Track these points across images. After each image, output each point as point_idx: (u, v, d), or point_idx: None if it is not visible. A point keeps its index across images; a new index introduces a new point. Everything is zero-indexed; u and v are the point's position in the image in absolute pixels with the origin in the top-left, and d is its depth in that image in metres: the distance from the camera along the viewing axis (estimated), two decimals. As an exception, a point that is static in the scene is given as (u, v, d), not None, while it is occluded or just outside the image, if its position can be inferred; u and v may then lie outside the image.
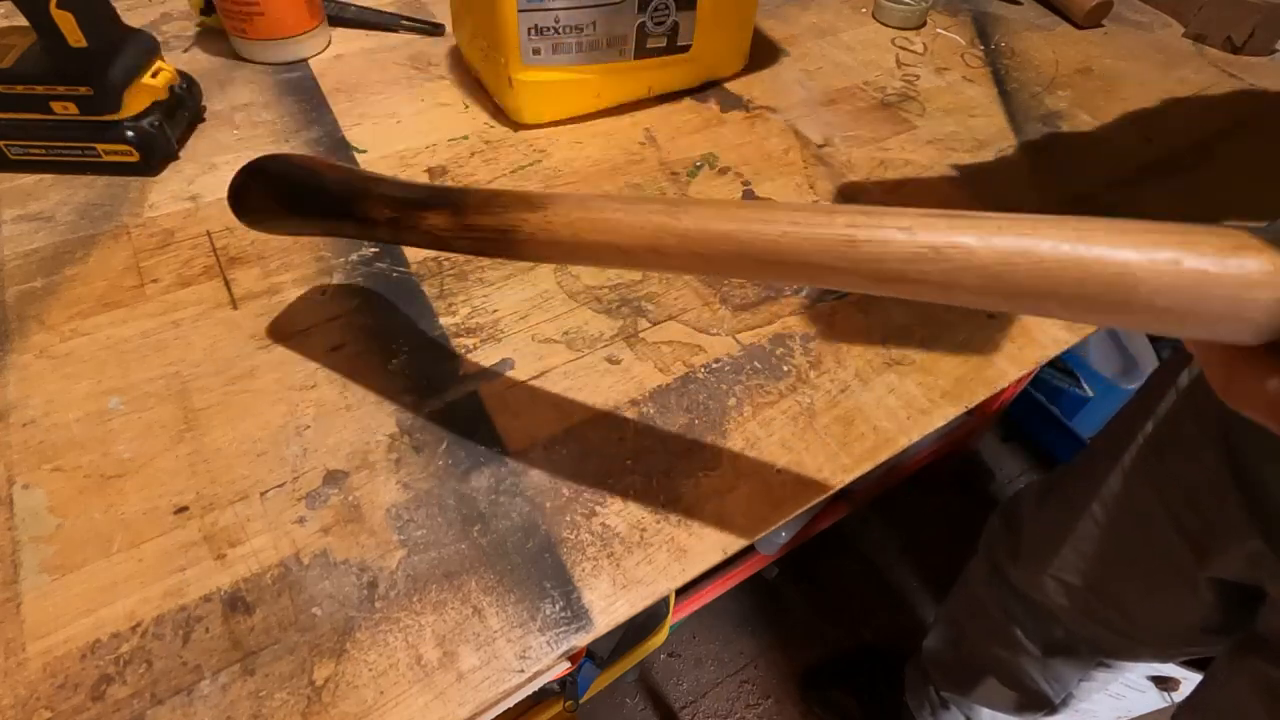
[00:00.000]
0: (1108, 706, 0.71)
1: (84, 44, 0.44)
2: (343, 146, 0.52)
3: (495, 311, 0.42)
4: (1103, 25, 0.74)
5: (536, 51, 0.51)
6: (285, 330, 0.40)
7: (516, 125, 0.56)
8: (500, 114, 0.56)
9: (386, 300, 0.42)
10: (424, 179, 0.50)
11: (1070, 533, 0.62)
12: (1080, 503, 0.61)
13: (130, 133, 0.47)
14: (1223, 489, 0.46)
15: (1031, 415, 1.33)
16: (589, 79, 0.54)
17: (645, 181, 0.52)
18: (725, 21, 0.57)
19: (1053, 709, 0.72)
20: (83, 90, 0.45)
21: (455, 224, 0.30)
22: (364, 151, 0.52)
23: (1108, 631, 0.62)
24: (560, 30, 0.50)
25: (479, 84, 0.59)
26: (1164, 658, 0.61)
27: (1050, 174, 0.55)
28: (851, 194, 0.52)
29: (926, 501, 1.32)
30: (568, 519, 0.34)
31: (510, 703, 0.32)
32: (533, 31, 0.50)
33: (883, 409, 0.39)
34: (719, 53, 0.59)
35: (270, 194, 0.36)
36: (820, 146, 0.56)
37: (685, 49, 0.56)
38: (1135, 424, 0.56)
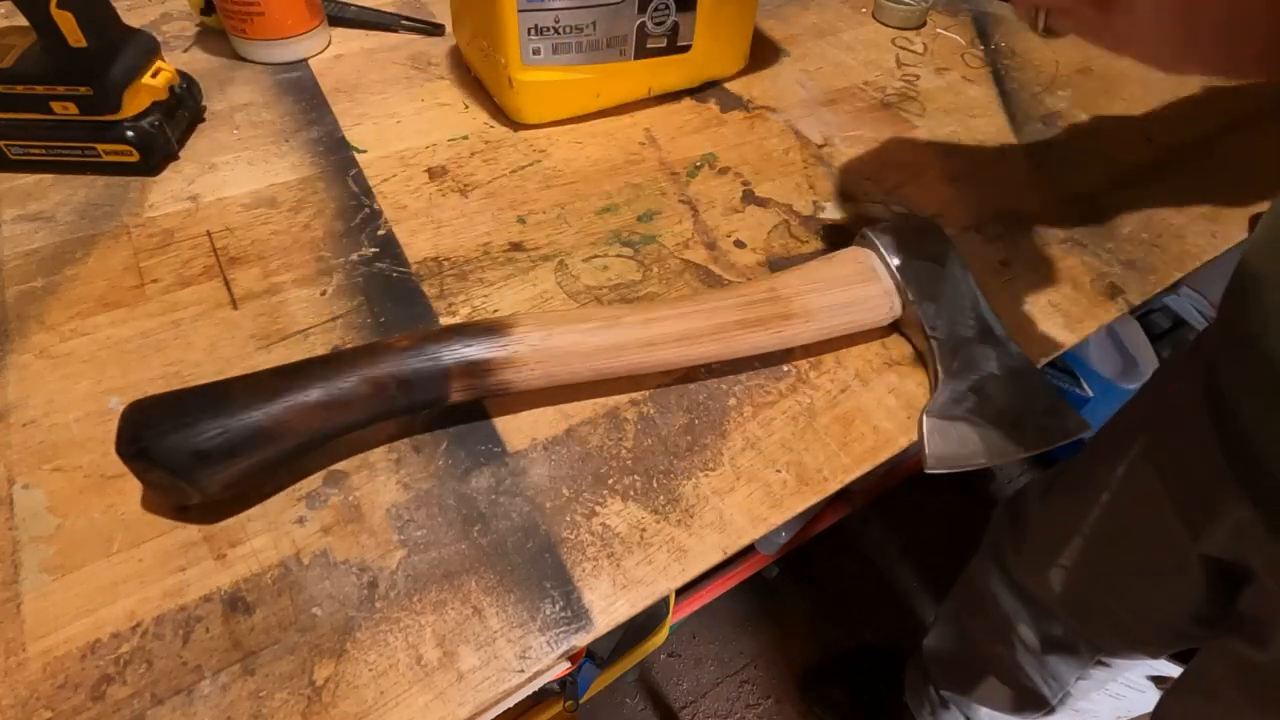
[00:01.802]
0: (1108, 707, 0.71)
1: (84, 44, 0.44)
2: (343, 146, 0.52)
3: (495, 311, 0.42)
4: (1103, 25, 0.74)
5: (536, 51, 0.51)
6: (285, 330, 0.40)
7: (516, 125, 0.56)
8: (500, 114, 0.56)
9: (386, 300, 0.42)
10: (424, 179, 0.50)
11: (1072, 521, 0.63)
12: (1083, 491, 0.62)
13: (130, 133, 0.47)
14: (1213, 453, 0.46)
15: (1031, 415, 1.33)
16: (589, 79, 0.54)
17: (645, 181, 0.52)
18: (725, 22, 0.57)
19: (1050, 709, 0.72)
20: (83, 90, 0.45)
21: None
22: (364, 151, 0.52)
23: (1105, 624, 0.62)
24: (560, 30, 0.50)
25: (479, 84, 0.59)
26: (1157, 652, 0.61)
27: (1050, 174, 0.55)
28: (850, 194, 0.52)
29: (926, 501, 1.32)
30: (568, 519, 0.34)
31: (510, 703, 0.32)
32: (533, 31, 0.50)
33: (883, 409, 0.39)
34: (719, 53, 0.59)
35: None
36: (820, 146, 0.56)
37: (685, 49, 0.56)
38: (1139, 413, 0.56)
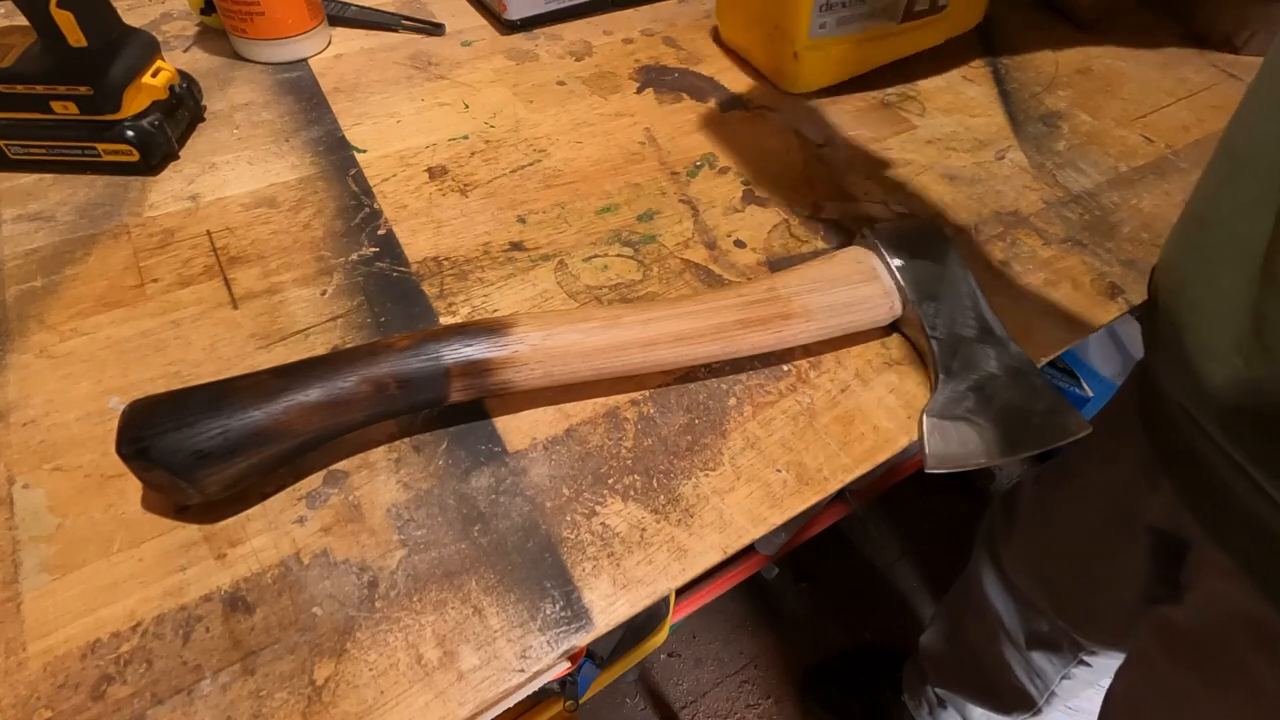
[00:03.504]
0: (1099, 704, 0.71)
1: (84, 44, 0.44)
2: (343, 146, 0.52)
3: (495, 311, 0.42)
4: (1103, 25, 0.74)
5: (822, 26, 0.57)
6: (285, 330, 0.40)
7: (787, 93, 0.61)
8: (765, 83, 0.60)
9: (386, 300, 0.42)
10: (424, 178, 0.50)
11: (1053, 508, 0.64)
12: (1062, 479, 0.64)
13: (130, 132, 0.47)
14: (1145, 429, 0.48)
15: (1031, 415, 1.33)
16: (861, 44, 0.59)
17: (645, 181, 0.52)
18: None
19: (1036, 709, 0.73)
20: (83, 90, 0.45)
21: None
22: (364, 151, 0.52)
23: (1080, 612, 0.64)
24: (845, 4, 0.56)
25: (741, 60, 0.65)
26: (1121, 639, 0.62)
27: (1050, 174, 0.55)
28: (850, 194, 0.52)
29: (926, 501, 1.32)
30: (568, 519, 0.34)
31: (510, 702, 0.32)
32: (822, 8, 0.56)
33: (883, 409, 0.39)
34: (969, 7, 0.64)
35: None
36: (820, 146, 0.56)
37: (944, 8, 0.61)
38: (1121, 402, 0.57)
